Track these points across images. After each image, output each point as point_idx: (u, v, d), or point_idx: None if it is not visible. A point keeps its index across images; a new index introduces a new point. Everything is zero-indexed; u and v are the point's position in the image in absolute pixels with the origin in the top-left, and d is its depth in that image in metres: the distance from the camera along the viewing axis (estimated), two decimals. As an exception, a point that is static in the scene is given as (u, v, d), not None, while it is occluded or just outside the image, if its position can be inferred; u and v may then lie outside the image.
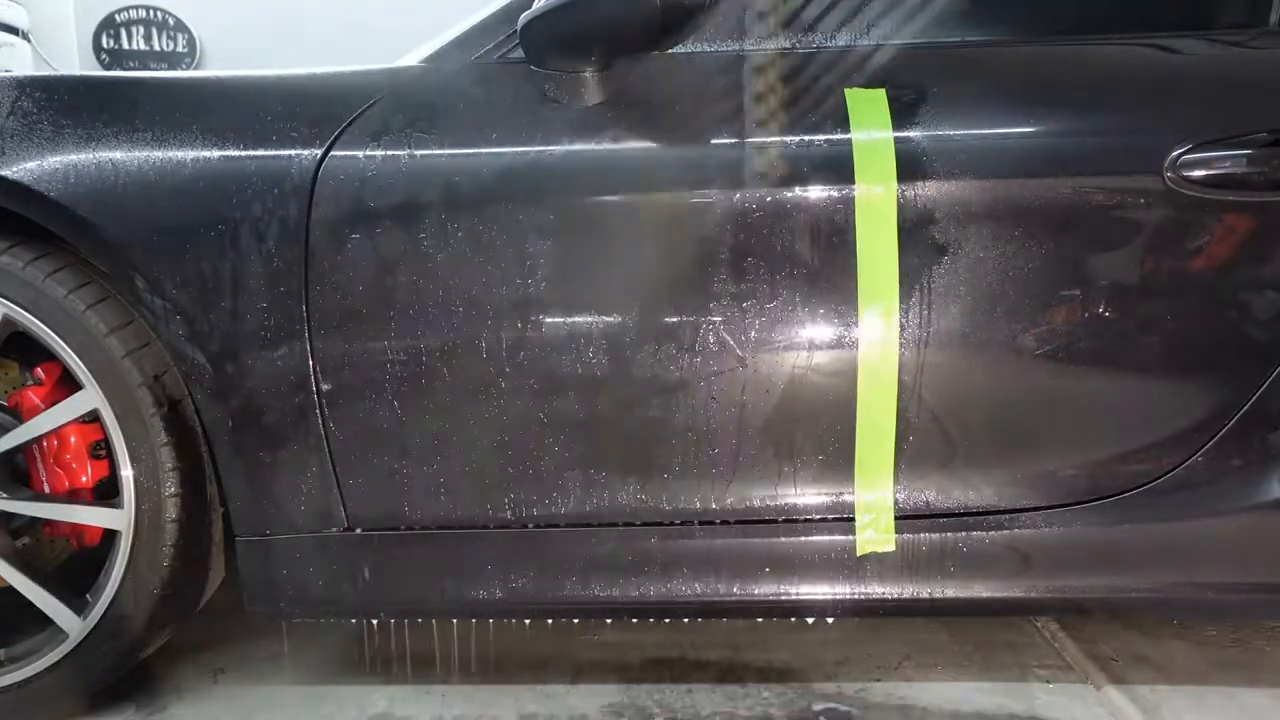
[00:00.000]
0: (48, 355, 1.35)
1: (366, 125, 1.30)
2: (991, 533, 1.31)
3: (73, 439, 1.38)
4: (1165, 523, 1.30)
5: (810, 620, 1.68)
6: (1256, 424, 1.27)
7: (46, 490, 1.39)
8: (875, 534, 1.30)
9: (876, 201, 1.23)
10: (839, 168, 1.24)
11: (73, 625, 1.36)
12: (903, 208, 1.23)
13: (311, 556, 1.36)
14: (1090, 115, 1.28)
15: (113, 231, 1.28)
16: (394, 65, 1.40)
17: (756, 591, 1.34)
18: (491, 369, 1.31)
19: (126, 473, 1.33)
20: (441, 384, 1.32)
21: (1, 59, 4.51)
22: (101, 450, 1.41)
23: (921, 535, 1.31)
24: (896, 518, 1.30)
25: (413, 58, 1.40)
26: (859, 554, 1.31)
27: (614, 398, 1.31)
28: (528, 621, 1.70)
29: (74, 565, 1.50)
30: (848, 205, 1.23)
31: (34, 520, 1.41)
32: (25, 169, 1.29)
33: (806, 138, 1.30)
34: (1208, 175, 1.22)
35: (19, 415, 1.38)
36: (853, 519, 1.31)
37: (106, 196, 1.28)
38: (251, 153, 1.30)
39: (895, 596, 1.32)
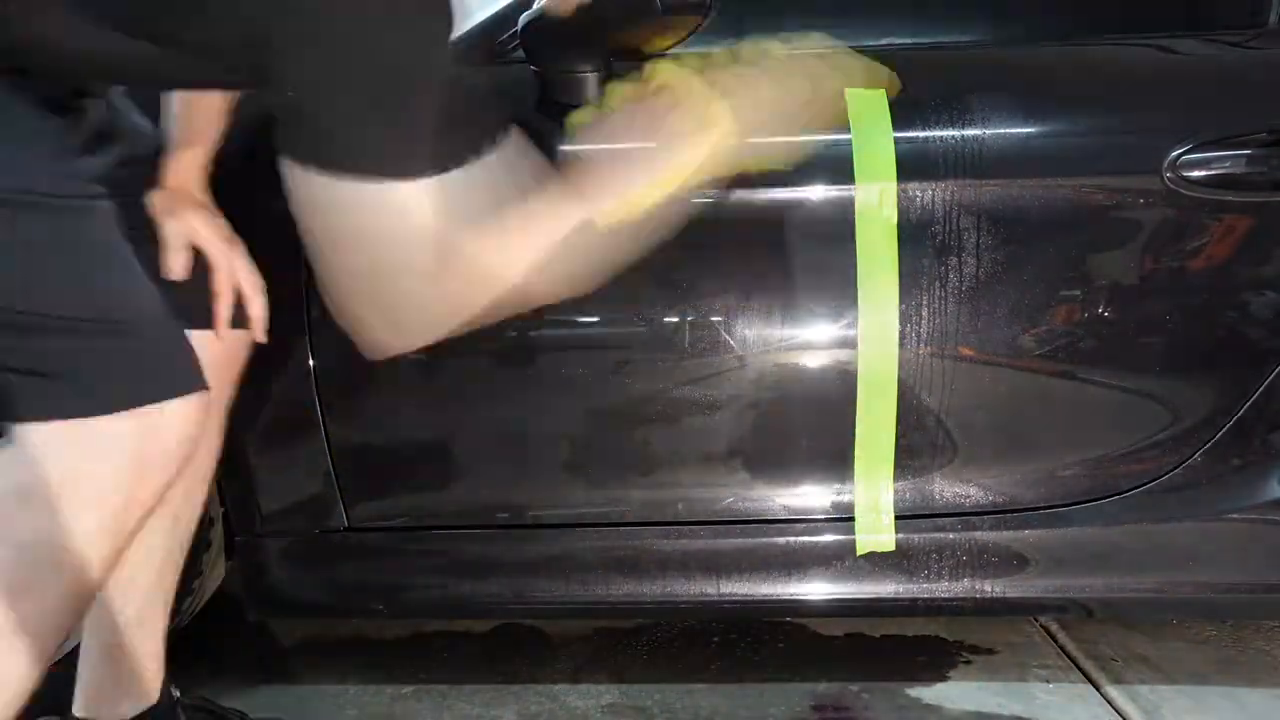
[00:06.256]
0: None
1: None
2: (991, 532, 1.31)
3: (73, 439, 1.38)
4: (1165, 523, 1.30)
5: (810, 620, 1.68)
6: (1256, 424, 1.27)
7: (46, 490, 1.39)
8: (875, 534, 1.30)
9: (876, 201, 1.23)
10: (839, 167, 1.24)
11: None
12: (902, 208, 1.23)
13: (311, 556, 1.36)
14: (1090, 115, 1.28)
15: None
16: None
17: (756, 591, 1.34)
18: (491, 368, 1.31)
19: (126, 472, 1.33)
20: (441, 383, 1.32)
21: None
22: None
23: (921, 535, 1.31)
24: (896, 517, 1.30)
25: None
26: (859, 554, 1.31)
27: (613, 398, 1.31)
28: (528, 621, 1.70)
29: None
30: (847, 205, 1.23)
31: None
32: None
33: (806, 138, 1.30)
34: (1207, 175, 1.22)
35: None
36: (852, 519, 1.31)
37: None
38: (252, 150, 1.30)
39: (895, 596, 1.32)
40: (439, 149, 0.83)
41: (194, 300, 1.05)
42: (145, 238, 1.02)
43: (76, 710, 1.15)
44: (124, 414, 0.88)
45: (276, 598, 1.38)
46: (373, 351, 0.91)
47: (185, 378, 0.93)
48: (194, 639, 1.59)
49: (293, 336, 1.29)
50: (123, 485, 0.89)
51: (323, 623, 1.73)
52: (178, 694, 1.23)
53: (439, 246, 0.83)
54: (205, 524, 1.38)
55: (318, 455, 1.32)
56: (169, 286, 1.01)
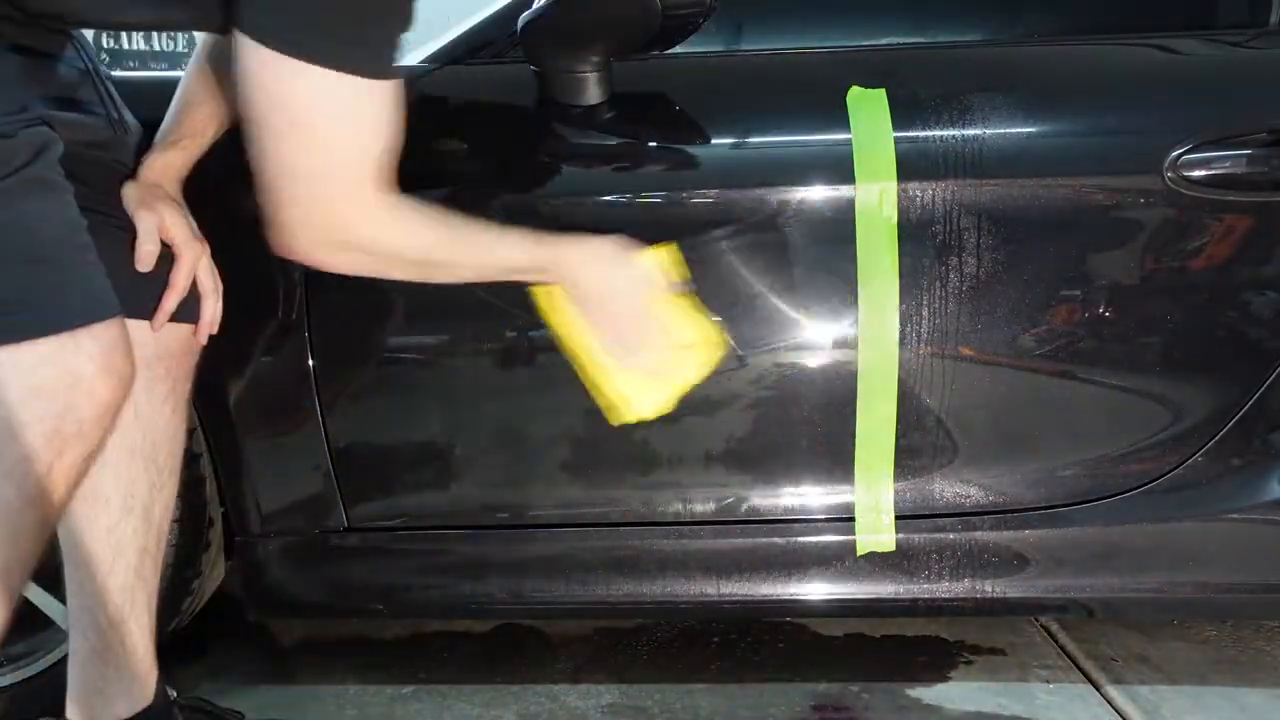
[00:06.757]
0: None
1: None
2: (991, 532, 1.31)
3: (72, 439, 1.38)
4: (1165, 523, 1.30)
5: (810, 620, 1.68)
6: (1256, 424, 1.27)
7: (46, 490, 1.39)
8: (875, 534, 1.30)
9: (876, 201, 1.23)
10: (839, 167, 1.23)
11: (73, 625, 1.36)
12: (903, 208, 1.23)
13: (311, 556, 1.36)
14: (1090, 115, 1.28)
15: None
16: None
17: (756, 591, 1.33)
18: (491, 367, 1.31)
19: (126, 472, 1.33)
20: (441, 383, 1.32)
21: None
22: (101, 450, 1.41)
23: (921, 535, 1.31)
24: (896, 517, 1.30)
25: (414, 57, 1.40)
26: (859, 554, 1.31)
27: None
28: (528, 621, 1.70)
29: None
30: (847, 205, 1.23)
31: (34, 520, 1.41)
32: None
33: (806, 137, 1.30)
34: (1208, 175, 1.22)
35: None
36: (852, 519, 1.31)
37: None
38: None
39: (895, 596, 1.32)
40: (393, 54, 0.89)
41: (149, 290, 1.08)
42: (110, 223, 1.04)
43: (70, 714, 1.15)
44: (36, 341, 0.88)
45: (276, 598, 1.38)
46: (281, 250, 0.96)
47: (97, 306, 0.93)
48: (194, 639, 1.59)
49: (293, 336, 1.29)
50: (45, 419, 0.89)
51: (323, 623, 1.72)
52: (174, 694, 1.23)
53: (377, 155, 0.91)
54: (205, 524, 1.38)
55: (317, 455, 1.32)
56: (126, 274, 1.03)
